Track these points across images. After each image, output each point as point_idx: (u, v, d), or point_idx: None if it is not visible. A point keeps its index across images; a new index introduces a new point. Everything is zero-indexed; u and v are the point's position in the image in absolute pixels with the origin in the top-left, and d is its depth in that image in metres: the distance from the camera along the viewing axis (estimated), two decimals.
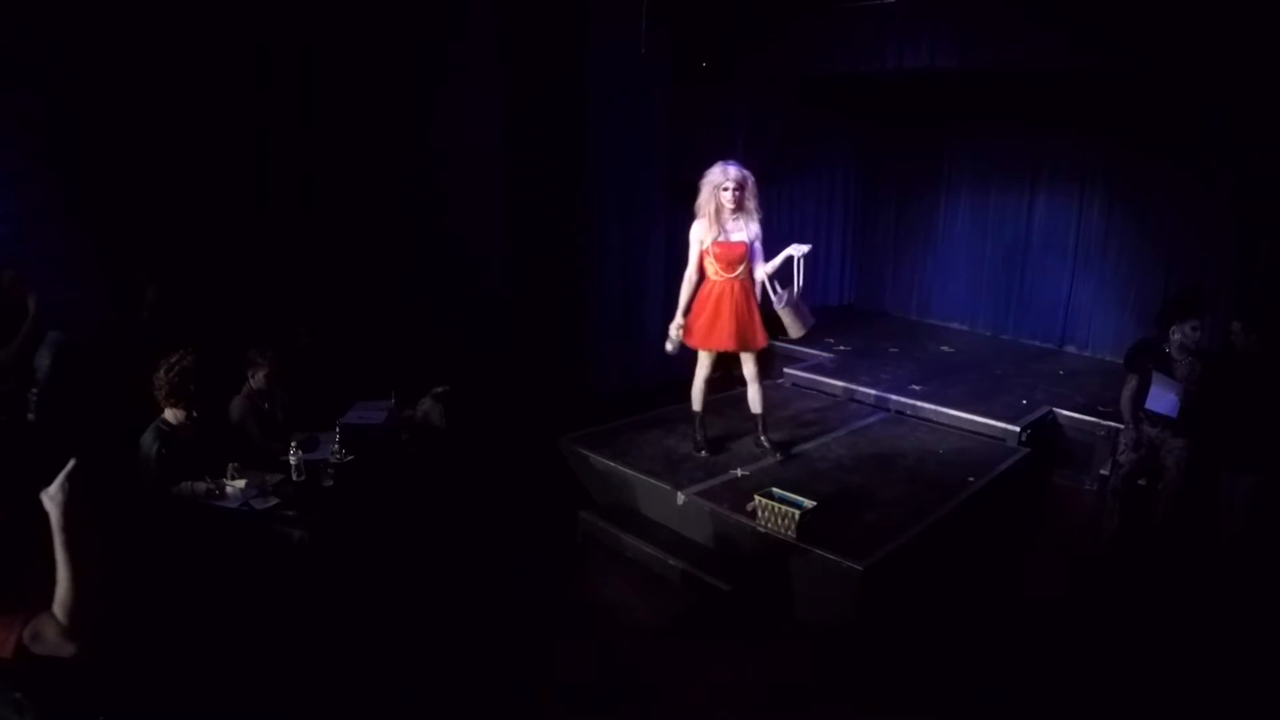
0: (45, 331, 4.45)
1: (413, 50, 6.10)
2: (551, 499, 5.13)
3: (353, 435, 4.37)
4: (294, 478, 3.99)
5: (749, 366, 4.95)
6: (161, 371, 3.81)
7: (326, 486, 4.08)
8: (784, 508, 4.07)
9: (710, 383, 5.09)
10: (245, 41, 5.45)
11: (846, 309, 9.36)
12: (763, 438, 5.12)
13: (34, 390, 4.37)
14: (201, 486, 3.87)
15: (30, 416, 4.30)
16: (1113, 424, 5.30)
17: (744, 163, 4.78)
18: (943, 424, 5.91)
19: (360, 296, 5.99)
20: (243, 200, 5.57)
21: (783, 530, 4.06)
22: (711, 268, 4.73)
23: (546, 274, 6.61)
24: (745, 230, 4.70)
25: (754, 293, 4.80)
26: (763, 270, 4.73)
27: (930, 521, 4.36)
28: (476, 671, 3.66)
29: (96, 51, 4.86)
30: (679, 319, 4.80)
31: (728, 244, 4.67)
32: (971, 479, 4.91)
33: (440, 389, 4.99)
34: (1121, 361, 5.06)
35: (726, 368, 5.17)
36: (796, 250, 4.63)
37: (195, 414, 3.90)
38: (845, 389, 6.57)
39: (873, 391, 6.42)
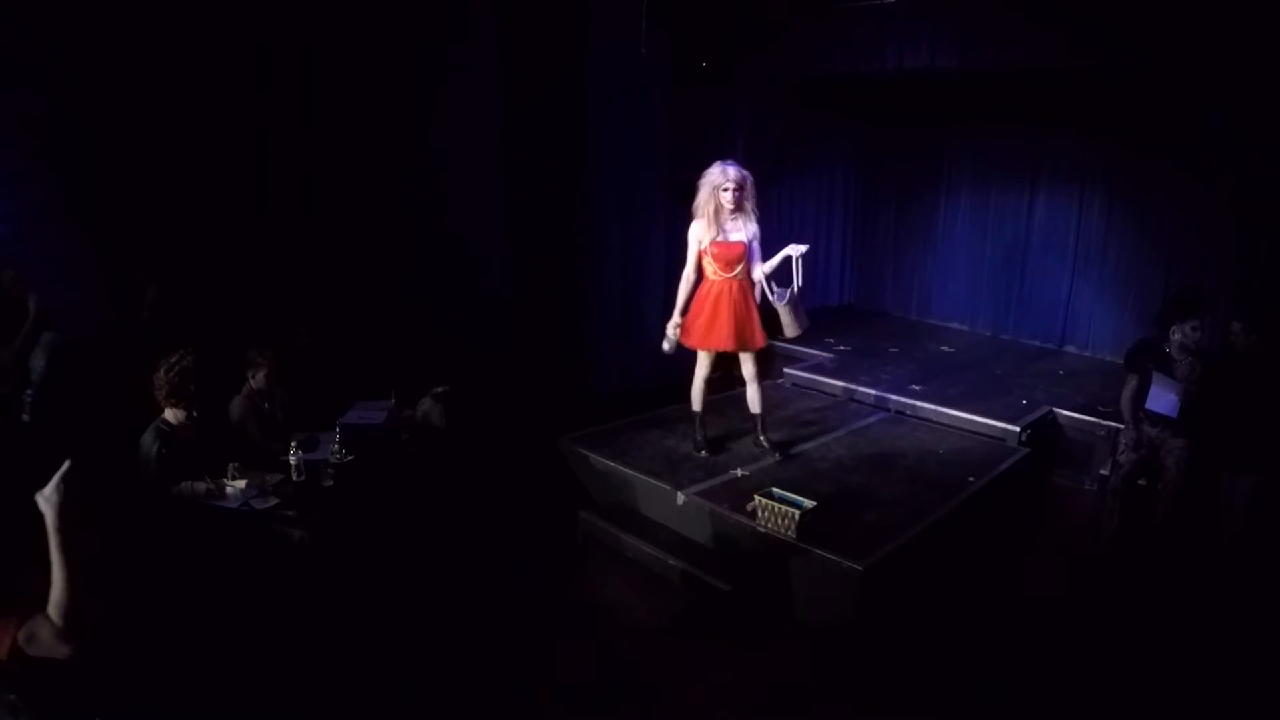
0: (44, 332, 4.46)
1: (413, 50, 6.10)
2: (551, 499, 5.12)
3: (353, 435, 4.37)
4: (294, 478, 4.00)
5: (748, 366, 4.96)
6: (161, 371, 3.82)
7: (326, 486, 4.08)
8: (784, 508, 4.07)
9: (710, 383, 5.10)
10: (245, 41, 5.45)
11: (846, 309, 9.35)
12: (761, 438, 5.13)
13: (28, 392, 4.37)
14: (201, 486, 3.87)
15: (25, 418, 4.31)
16: (1113, 424, 5.30)
17: (744, 163, 4.79)
18: (943, 424, 5.91)
19: (360, 296, 5.99)
20: (243, 200, 5.57)
21: (783, 530, 4.06)
22: (710, 267, 4.73)
23: (546, 274, 6.60)
24: (744, 230, 4.70)
25: (752, 293, 4.80)
26: (761, 270, 4.74)
27: (930, 521, 4.36)
28: (476, 671, 3.66)
29: (96, 51, 4.86)
30: (676, 318, 4.80)
31: (726, 244, 4.67)
32: (971, 479, 4.91)
33: (440, 389, 4.99)
34: (1121, 361, 5.06)
35: (726, 368, 5.17)
36: (794, 250, 4.64)
37: (195, 414, 3.91)
38: (845, 389, 6.57)
39: (873, 391, 6.42)
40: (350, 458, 4.27)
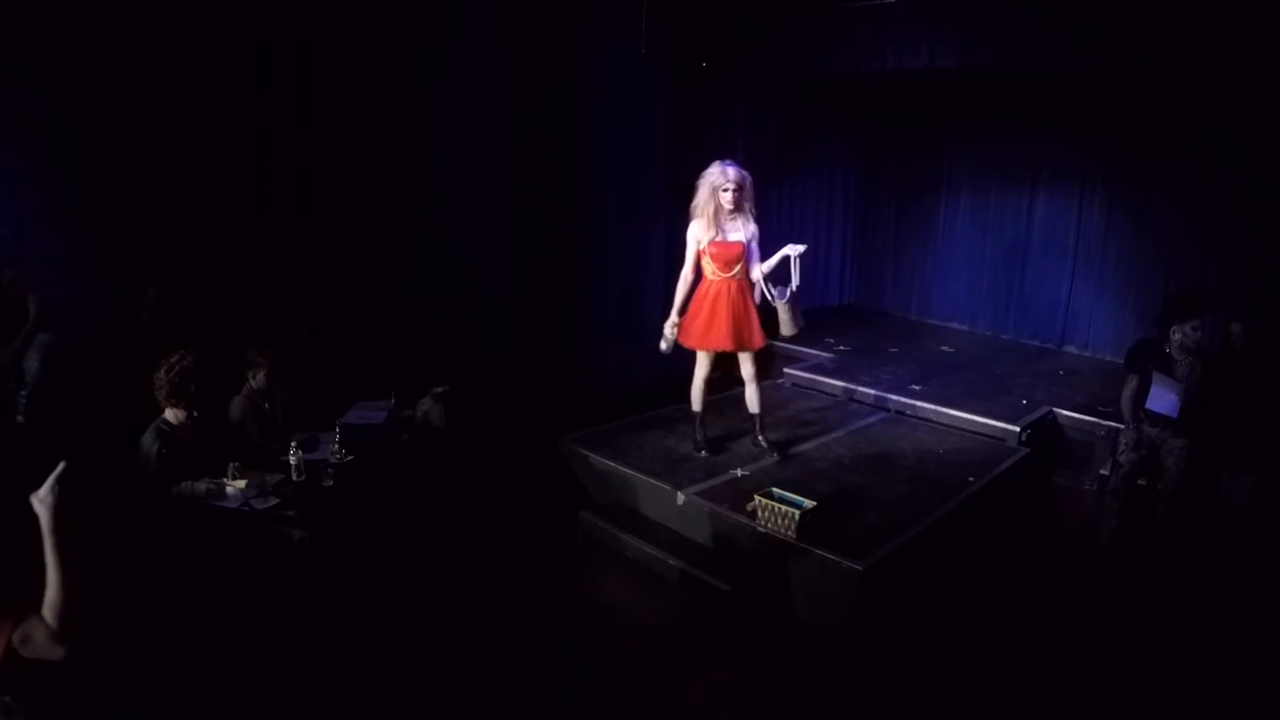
0: (39, 333, 4.47)
1: (413, 50, 6.10)
2: (551, 499, 5.12)
3: (353, 435, 4.37)
4: (294, 478, 4.00)
5: (747, 366, 4.96)
6: (161, 371, 3.82)
7: (326, 486, 4.08)
8: (784, 508, 4.07)
9: (710, 383, 5.10)
10: (245, 41, 5.45)
11: (846, 309, 9.36)
12: (760, 438, 5.13)
13: (23, 393, 4.37)
14: (202, 486, 3.87)
15: (19, 419, 4.31)
16: (1113, 424, 5.30)
17: (744, 163, 4.79)
18: (943, 424, 5.91)
19: (360, 296, 5.99)
20: (243, 200, 5.57)
21: (783, 530, 4.06)
22: (709, 267, 4.73)
23: (546, 274, 6.60)
24: (743, 230, 4.70)
25: (751, 293, 4.80)
26: (759, 270, 4.74)
27: (930, 521, 4.36)
28: (476, 671, 3.66)
29: (96, 51, 4.86)
30: (674, 318, 4.80)
31: (725, 244, 4.67)
32: (971, 479, 4.91)
33: (440, 389, 4.99)
34: (1121, 361, 5.06)
35: (726, 368, 5.17)
36: (793, 250, 4.64)
37: (195, 414, 3.91)
38: (845, 389, 6.57)
39: (872, 391, 6.41)
40: (350, 458, 4.27)
